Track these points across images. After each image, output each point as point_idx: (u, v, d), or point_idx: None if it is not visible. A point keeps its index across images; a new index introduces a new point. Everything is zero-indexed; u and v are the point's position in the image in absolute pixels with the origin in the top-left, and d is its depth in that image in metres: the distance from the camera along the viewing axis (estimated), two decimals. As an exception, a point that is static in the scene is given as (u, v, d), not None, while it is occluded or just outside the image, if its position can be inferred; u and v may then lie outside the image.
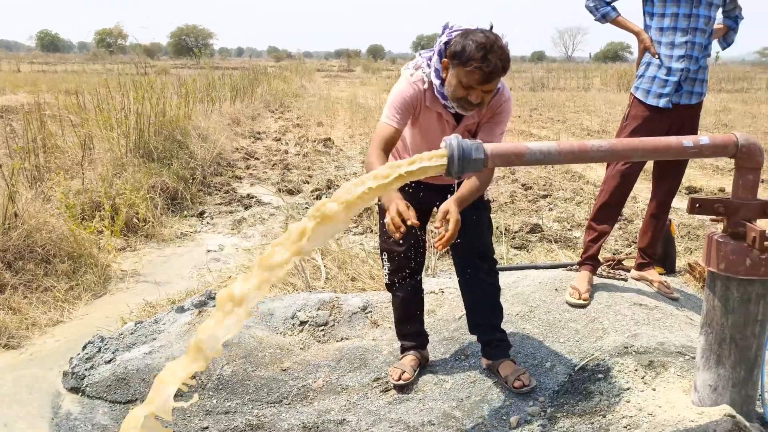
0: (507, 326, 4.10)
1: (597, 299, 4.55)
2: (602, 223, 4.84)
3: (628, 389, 3.45)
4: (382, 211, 3.82)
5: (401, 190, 3.43)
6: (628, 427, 3.14)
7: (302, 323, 4.63)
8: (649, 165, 5.04)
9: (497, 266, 3.95)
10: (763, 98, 26.70)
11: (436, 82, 3.33)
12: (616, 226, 7.11)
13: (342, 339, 4.55)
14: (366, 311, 4.81)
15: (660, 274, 5.15)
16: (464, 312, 4.07)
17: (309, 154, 13.29)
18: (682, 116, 4.65)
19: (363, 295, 5.12)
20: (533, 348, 4.15)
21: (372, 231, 7.40)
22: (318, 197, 9.59)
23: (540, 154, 2.51)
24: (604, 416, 3.31)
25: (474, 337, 4.08)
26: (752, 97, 27.83)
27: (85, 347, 4.36)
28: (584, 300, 4.50)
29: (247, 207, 9.09)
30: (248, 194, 9.79)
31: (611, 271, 5.17)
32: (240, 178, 11.00)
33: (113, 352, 4.25)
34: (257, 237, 7.65)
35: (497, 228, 7.13)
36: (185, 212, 8.60)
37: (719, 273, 2.77)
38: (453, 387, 3.91)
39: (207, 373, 4.00)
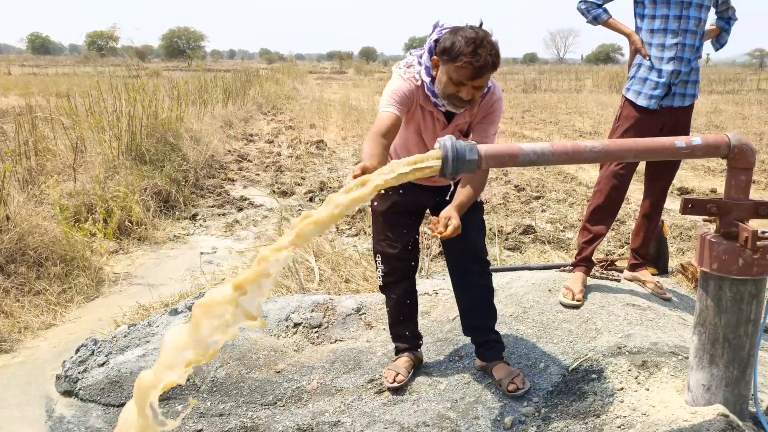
0: (501, 327, 4.11)
1: (590, 300, 4.56)
2: (597, 225, 4.84)
3: (621, 389, 3.45)
4: (375, 213, 3.83)
5: (394, 191, 3.44)
6: (622, 427, 3.15)
7: (296, 325, 4.63)
8: (642, 166, 5.04)
9: (490, 267, 3.96)
10: (754, 100, 26.80)
11: (427, 79, 3.32)
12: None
13: (336, 341, 4.55)
14: (360, 313, 4.81)
15: (653, 274, 5.17)
16: (458, 313, 4.07)
17: (302, 156, 13.28)
18: (674, 117, 4.66)
19: (357, 296, 5.12)
20: (527, 349, 4.15)
21: (365, 233, 7.40)
22: (311, 199, 9.60)
23: (534, 155, 2.51)
24: (598, 416, 3.32)
25: (468, 338, 4.08)
26: (743, 98, 27.93)
27: (78, 350, 4.35)
28: (578, 300, 4.51)
29: (240, 209, 9.08)
30: (241, 196, 9.78)
31: (604, 271, 5.18)
32: (233, 181, 10.99)
33: (106, 355, 4.24)
34: (250, 239, 7.64)
35: (490, 229, 7.14)
36: (178, 215, 8.58)
37: (712, 273, 2.77)
38: (447, 388, 3.91)
39: (201, 375, 4.00)
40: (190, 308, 4.74)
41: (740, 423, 2.80)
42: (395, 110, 3.29)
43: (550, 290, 4.77)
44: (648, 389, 3.37)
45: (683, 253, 6.68)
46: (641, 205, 5.10)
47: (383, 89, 3.43)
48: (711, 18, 4.77)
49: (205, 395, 3.90)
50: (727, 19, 4.95)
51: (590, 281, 4.89)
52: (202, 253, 7.06)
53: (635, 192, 7.62)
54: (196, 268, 6.54)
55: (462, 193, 3.33)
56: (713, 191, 10.00)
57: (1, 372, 4.38)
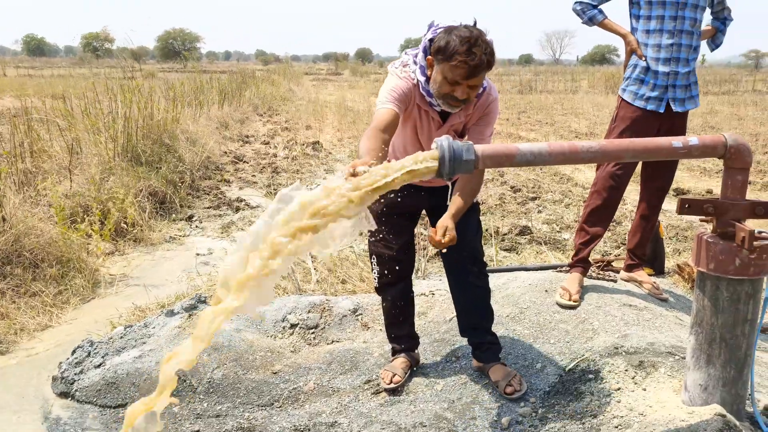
0: (497, 328, 4.11)
1: (587, 300, 4.56)
2: (594, 226, 4.85)
3: (618, 389, 3.46)
4: (371, 214, 3.82)
5: (390, 192, 3.43)
6: (619, 427, 3.15)
7: (293, 326, 4.63)
8: (638, 167, 5.05)
9: (487, 268, 3.95)
10: (750, 101, 26.81)
11: (422, 79, 3.31)
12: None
13: (333, 341, 4.55)
14: (356, 314, 4.81)
15: (649, 275, 5.18)
16: (455, 314, 4.07)
17: (298, 157, 13.25)
18: (670, 118, 4.67)
19: (353, 297, 5.11)
20: (524, 349, 4.15)
21: (361, 234, 7.38)
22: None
23: (531, 155, 2.51)
24: (595, 416, 3.32)
25: (465, 339, 4.07)
26: (738, 99, 27.94)
27: (74, 352, 4.34)
28: (574, 301, 4.51)
29: (236, 210, 9.06)
30: (237, 198, 9.76)
31: (600, 272, 5.19)
32: (229, 182, 10.97)
33: (103, 357, 4.23)
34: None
35: (486, 230, 7.14)
36: (174, 216, 8.57)
37: (709, 273, 2.78)
38: (444, 389, 3.91)
39: (197, 376, 3.99)
40: (186, 309, 4.73)
41: (737, 423, 2.80)
42: (393, 106, 3.27)
43: (546, 291, 4.78)
44: (645, 389, 3.38)
45: (679, 253, 6.69)
46: (638, 206, 5.11)
47: (379, 90, 3.42)
48: (706, 19, 4.78)
49: (201, 396, 3.89)
50: (722, 19, 4.96)
51: (587, 282, 4.89)
52: (198, 255, 7.04)
53: (631, 193, 7.62)
54: (192, 269, 6.53)
55: (458, 201, 3.32)
56: (709, 192, 10.02)
57: (-3, 373, 4.37)
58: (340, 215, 2.31)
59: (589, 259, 4.95)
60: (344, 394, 3.93)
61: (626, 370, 3.57)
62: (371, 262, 3.94)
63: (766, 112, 21.28)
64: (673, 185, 9.89)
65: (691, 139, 2.61)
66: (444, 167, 2.38)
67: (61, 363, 4.25)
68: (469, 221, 3.69)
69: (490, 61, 3.11)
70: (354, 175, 2.41)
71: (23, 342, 4.88)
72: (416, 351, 4.16)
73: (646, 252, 5.23)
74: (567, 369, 3.84)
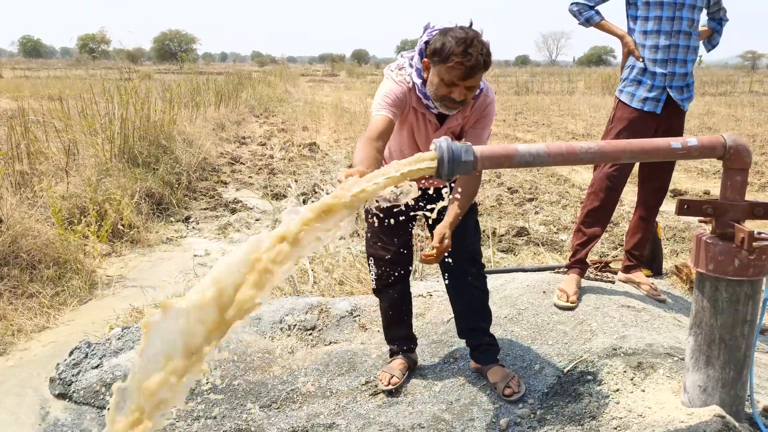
0: (495, 329, 4.10)
1: (585, 301, 4.56)
2: (591, 227, 4.84)
3: (617, 391, 3.45)
4: (368, 216, 3.81)
5: None
6: (618, 428, 3.15)
7: (290, 327, 4.62)
8: (636, 168, 5.04)
9: (484, 270, 3.95)
10: (747, 101, 26.86)
11: (418, 81, 3.30)
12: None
13: (330, 343, 4.54)
14: (354, 315, 4.80)
15: (647, 276, 5.17)
16: (452, 315, 4.06)
17: (294, 158, 13.25)
18: (667, 119, 4.67)
19: (351, 299, 5.11)
20: (522, 350, 4.15)
21: (359, 235, 7.39)
22: (305, 201, 9.58)
23: (529, 156, 2.50)
24: (594, 418, 3.32)
25: (462, 341, 4.07)
26: (736, 100, 27.98)
27: (71, 353, 4.33)
28: (572, 302, 4.51)
29: (232, 211, 9.06)
30: (234, 199, 9.76)
31: (598, 273, 5.18)
32: (225, 183, 10.97)
33: (100, 358, 4.22)
34: (243, 241, 7.61)
35: (483, 231, 7.14)
36: (171, 217, 8.57)
37: (708, 274, 2.78)
38: (442, 390, 3.90)
39: (195, 378, 3.98)
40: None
41: (737, 424, 2.81)
42: (387, 113, 3.26)
43: (544, 292, 4.78)
44: (644, 390, 3.38)
45: (677, 255, 6.69)
46: (635, 208, 5.10)
47: (375, 91, 3.41)
48: (702, 20, 4.78)
49: (198, 397, 3.88)
50: (718, 20, 4.96)
51: (585, 283, 4.89)
52: (195, 256, 7.03)
53: (628, 194, 7.62)
54: (190, 270, 6.52)
55: (455, 208, 3.32)
56: (707, 193, 10.03)
57: (-6, 375, 4.37)
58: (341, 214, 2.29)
59: (587, 260, 4.94)
60: (342, 395, 3.92)
61: (625, 372, 3.57)
62: (369, 264, 3.93)
63: (763, 113, 21.31)
64: (671, 186, 9.89)
65: (690, 139, 2.60)
66: (443, 168, 2.38)
67: (58, 364, 4.24)
68: (468, 222, 3.68)
69: (487, 62, 3.10)
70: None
71: (20, 343, 4.87)
72: (414, 352, 4.15)
73: (644, 253, 5.23)
74: (565, 370, 3.84)
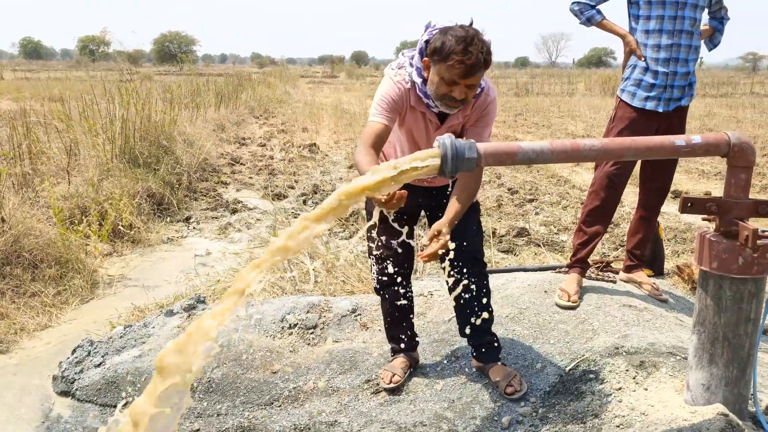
0: (497, 328, 4.10)
1: (586, 301, 4.56)
2: (592, 226, 4.83)
3: (619, 389, 3.45)
4: (369, 215, 3.81)
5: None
6: (621, 426, 3.15)
7: (292, 326, 4.62)
8: (636, 169, 5.04)
9: (486, 269, 3.94)
10: (748, 103, 26.87)
11: (418, 80, 3.29)
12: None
13: (332, 342, 4.54)
14: (355, 314, 4.80)
15: (648, 276, 5.17)
16: (454, 315, 4.06)
17: (294, 159, 13.26)
18: (668, 119, 4.66)
19: (352, 298, 5.11)
20: (523, 349, 4.15)
21: (359, 235, 7.39)
22: (305, 202, 9.59)
23: (532, 153, 2.50)
24: (597, 416, 3.32)
25: (464, 340, 4.06)
26: (736, 101, 27.98)
27: (74, 351, 4.35)
28: (573, 302, 4.51)
29: (233, 212, 9.06)
30: (234, 199, 9.76)
31: (600, 273, 5.18)
32: (226, 184, 10.97)
33: (103, 356, 4.23)
34: (244, 242, 7.63)
35: (483, 232, 7.13)
36: (171, 217, 8.57)
37: (712, 272, 2.77)
38: (444, 388, 3.90)
39: (197, 376, 3.99)
40: (185, 309, 4.73)
41: (740, 422, 2.80)
42: (383, 120, 3.29)
43: (545, 291, 4.77)
44: (646, 389, 3.37)
45: (678, 255, 6.69)
46: (636, 208, 5.10)
47: (374, 93, 3.42)
48: (704, 19, 4.77)
49: (201, 395, 3.89)
50: (719, 18, 4.95)
51: (586, 283, 4.89)
52: (196, 256, 7.04)
53: (629, 195, 7.63)
54: (191, 270, 6.53)
55: (454, 205, 3.29)
56: (707, 194, 10.02)
57: (-3, 373, 4.37)
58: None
59: (588, 260, 4.94)
60: (344, 393, 3.93)
61: (627, 370, 3.57)
62: (370, 263, 3.93)
63: (764, 115, 21.32)
64: (672, 187, 9.91)
65: (695, 137, 2.60)
66: (446, 165, 2.38)
67: (61, 362, 4.26)
68: (470, 221, 3.68)
69: (487, 60, 3.09)
70: None
71: (23, 341, 4.89)
72: (416, 351, 4.15)
73: (646, 253, 5.22)
74: (567, 369, 3.83)
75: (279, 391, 3.95)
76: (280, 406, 3.84)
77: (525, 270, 5.60)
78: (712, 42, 5.04)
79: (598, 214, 4.82)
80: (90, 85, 11.84)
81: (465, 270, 3.77)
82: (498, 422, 3.53)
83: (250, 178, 11.53)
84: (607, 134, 4.85)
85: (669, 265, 5.85)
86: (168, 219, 8.49)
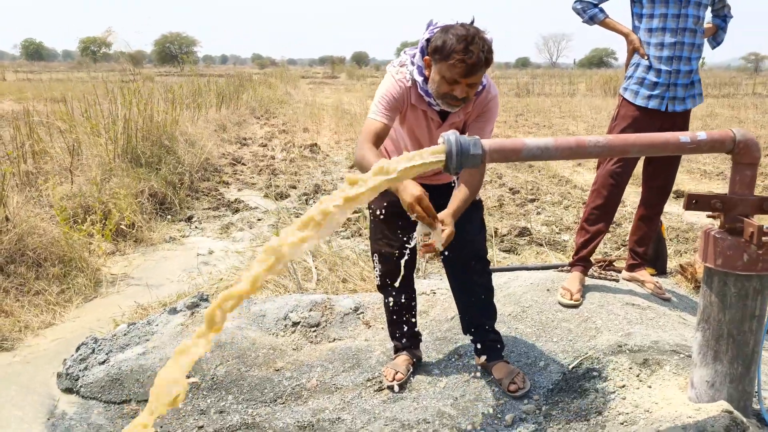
0: (500, 326, 4.10)
1: (589, 299, 4.56)
2: (595, 224, 4.83)
3: (623, 387, 3.45)
4: (373, 213, 3.81)
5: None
6: (625, 423, 3.15)
7: (294, 324, 4.63)
8: (638, 169, 5.03)
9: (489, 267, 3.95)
10: (750, 103, 26.85)
11: (419, 79, 3.29)
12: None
13: (334, 339, 4.55)
14: (358, 312, 4.81)
15: (651, 275, 5.17)
16: (456, 313, 4.06)
17: (295, 159, 13.26)
18: (672, 117, 4.66)
19: (354, 296, 5.12)
20: (526, 348, 4.15)
21: (360, 234, 7.40)
22: (306, 201, 9.60)
23: (537, 150, 2.50)
24: (600, 413, 3.32)
25: (467, 337, 4.07)
26: (738, 102, 27.97)
27: (78, 349, 4.35)
28: (576, 300, 4.51)
29: (235, 211, 9.07)
30: (236, 199, 9.77)
31: (602, 272, 5.18)
32: (227, 184, 10.98)
33: (107, 353, 4.24)
34: (246, 241, 7.63)
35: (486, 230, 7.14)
36: (173, 217, 8.59)
37: (716, 269, 2.77)
38: (447, 386, 3.90)
39: (201, 373, 3.99)
40: (189, 307, 4.74)
41: (744, 419, 2.80)
42: (383, 118, 3.31)
43: (548, 290, 4.78)
44: (650, 387, 3.37)
45: (680, 254, 6.69)
46: (638, 206, 5.10)
47: (375, 93, 3.43)
48: (707, 17, 4.77)
49: (205, 392, 3.89)
50: (723, 17, 4.95)
51: (589, 281, 4.89)
52: (198, 255, 7.05)
53: (630, 194, 7.64)
54: (193, 268, 6.54)
55: (458, 198, 3.29)
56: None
57: (2, 370, 4.37)
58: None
59: (591, 259, 4.94)
60: (347, 390, 3.93)
61: (630, 368, 3.57)
62: (373, 261, 3.93)
63: (766, 115, 21.31)
64: (674, 187, 9.91)
65: (699, 134, 2.60)
66: (451, 161, 2.37)
67: (65, 360, 4.26)
68: (473, 219, 3.68)
69: (488, 59, 3.09)
70: None
71: (28, 339, 4.89)
72: (419, 349, 4.16)
73: (649, 252, 5.22)
74: (570, 367, 3.84)
75: (282, 389, 3.95)
76: (283, 403, 3.84)
77: (527, 269, 5.60)
78: (715, 40, 5.03)
79: (601, 212, 4.82)
80: (92, 86, 11.85)
81: (468, 267, 3.78)
82: (501, 420, 3.53)
83: (252, 177, 11.54)
84: (610, 133, 4.85)
85: (672, 264, 5.85)
86: (170, 218, 8.50)
